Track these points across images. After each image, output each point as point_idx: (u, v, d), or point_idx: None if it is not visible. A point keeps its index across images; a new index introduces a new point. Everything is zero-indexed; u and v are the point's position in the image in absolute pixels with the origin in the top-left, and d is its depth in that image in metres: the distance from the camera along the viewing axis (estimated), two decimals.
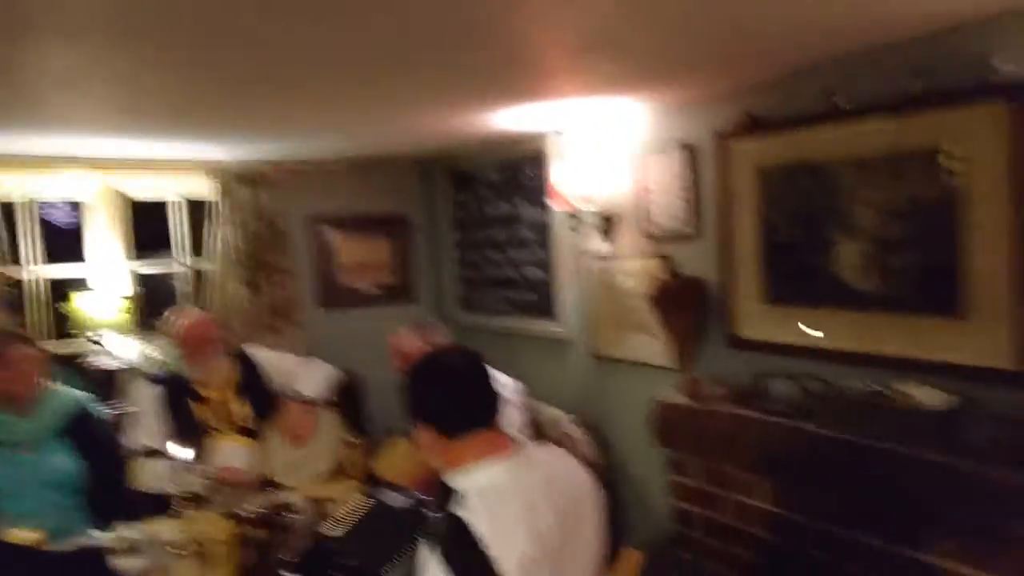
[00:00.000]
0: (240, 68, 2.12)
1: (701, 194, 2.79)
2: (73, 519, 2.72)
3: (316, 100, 2.66)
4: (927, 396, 1.99)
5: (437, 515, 1.68)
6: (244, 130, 3.21)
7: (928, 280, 2.08)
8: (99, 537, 2.17)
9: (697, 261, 2.82)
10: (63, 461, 2.75)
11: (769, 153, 2.50)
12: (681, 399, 2.65)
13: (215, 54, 1.95)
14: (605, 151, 3.20)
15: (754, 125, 2.54)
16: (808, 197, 2.39)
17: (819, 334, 2.36)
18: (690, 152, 2.80)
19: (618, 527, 3.21)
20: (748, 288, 2.61)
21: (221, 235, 3.88)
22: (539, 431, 2.89)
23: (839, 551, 2.18)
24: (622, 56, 2.20)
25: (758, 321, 2.58)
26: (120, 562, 2.05)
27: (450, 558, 1.45)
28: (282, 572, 1.63)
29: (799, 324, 2.40)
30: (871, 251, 2.22)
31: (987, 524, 1.80)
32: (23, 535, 2.04)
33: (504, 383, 2.78)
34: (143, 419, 2.94)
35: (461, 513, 1.52)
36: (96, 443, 2.88)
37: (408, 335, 2.88)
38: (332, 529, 1.74)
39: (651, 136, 2.97)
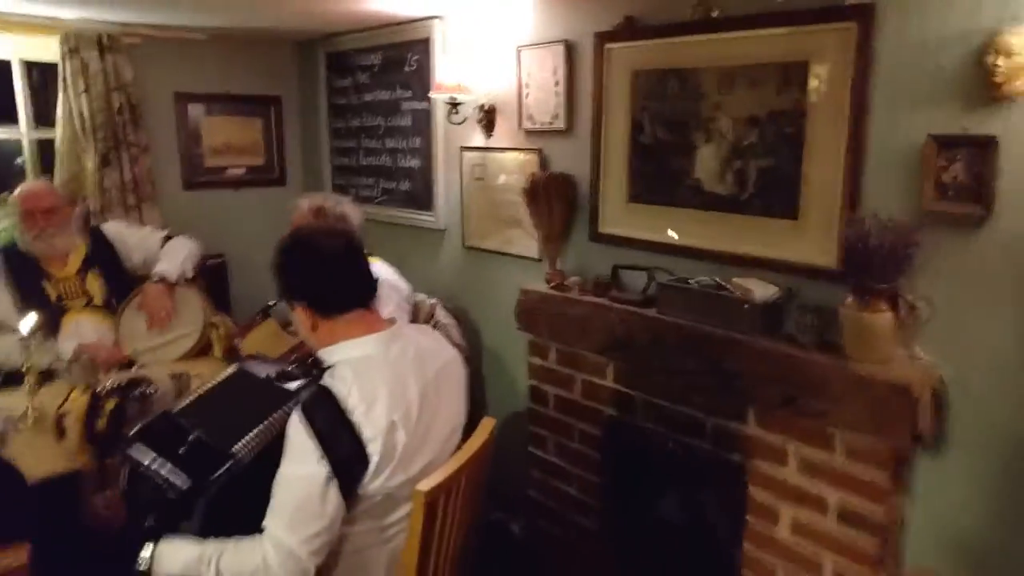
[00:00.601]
0: None
1: (577, 92, 2.84)
2: None
3: None
4: (760, 289, 2.21)
5: (303, 383, 1.72)
6: None
7: (773, 186, 2.26)
8: None
9: (569, 157, 2.90)
10: None
11: (644, 57, 2.58)
12: (544, 288, 2.79)
13: None
14: (487, 41, 3.18)
15: (632, 28, 2.60)
16: (675, 102, 2.50)
17: (674, 234, 2.54)
18: (569, 49, 2.83)
19: (481, 403, 3.41)
20: (614, 186, 2.73)
21: (68, 103, 3.57)
22: (413, 317, 2.95)
23: (669, 423, 2.44)
24: None
25: (620, 217, 2.72)
26: None
27: (313, 424, 1.50)
28: (125, 445, 1.62)
29: (667, 229, 2.55)
30: (727, 156, 2.37)
31: (789, 397, 2.06)
32: None
33: (394, 282, 2.77)
34: None
35: (327, 381, 1.59)
36: None
37: (302, 212, 2.71)
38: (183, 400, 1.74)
39: (533, 30, 2.97)
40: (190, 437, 1.59)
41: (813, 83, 2.13)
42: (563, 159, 2.93)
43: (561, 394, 2.80)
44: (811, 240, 2.19)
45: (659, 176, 2.59)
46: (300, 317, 1.70)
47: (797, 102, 2.17)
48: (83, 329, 2.83)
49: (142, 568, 1.51)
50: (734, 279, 2.29)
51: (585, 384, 2.71)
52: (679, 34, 2.46)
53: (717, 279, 2.34)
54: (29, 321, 2.30)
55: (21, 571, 1.29)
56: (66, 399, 2.09)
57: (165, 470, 1.56)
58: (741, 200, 2.36)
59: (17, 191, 2.92)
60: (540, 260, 3.03)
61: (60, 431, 2.05)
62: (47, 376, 2.52)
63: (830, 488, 2.06)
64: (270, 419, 1.61)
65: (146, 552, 1.52)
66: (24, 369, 2.25)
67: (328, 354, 1.68)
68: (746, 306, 2.19)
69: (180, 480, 1.54)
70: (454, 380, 1.83)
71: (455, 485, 1.69)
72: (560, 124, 2.90)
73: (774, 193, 2.27)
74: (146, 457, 1.59)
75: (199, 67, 4.07)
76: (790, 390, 2.06)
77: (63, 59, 3.53)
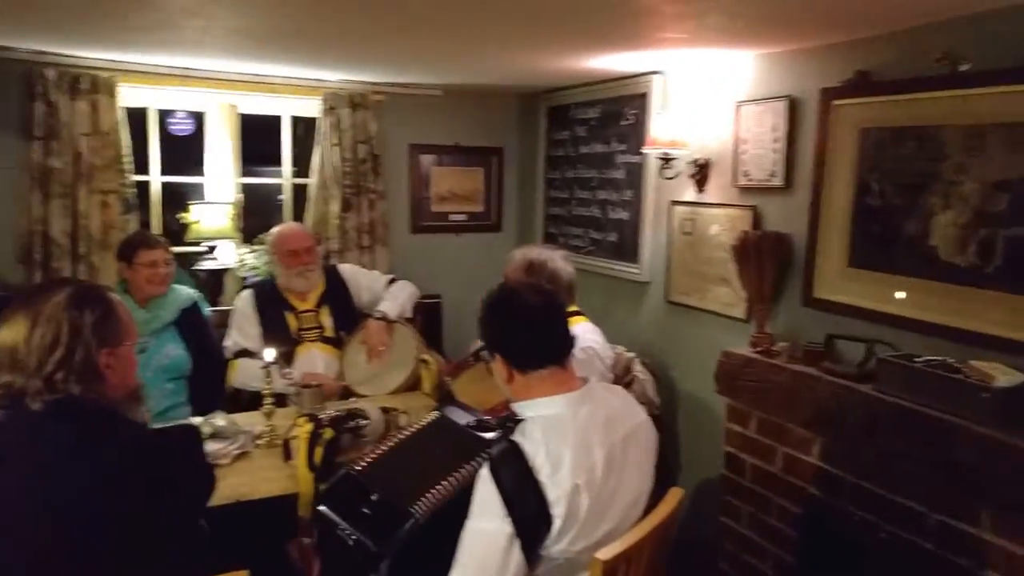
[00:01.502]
0: (359, 5, 2.21)
1: (797, 148, 2.71)
2: (177, 404, 3.03)
3: (429, 36, 2.75)
4: (1003, 375, 1.94)
5: (496, 438, 1.78)
6: (351, 57, 3.34)
7: None
8: (195, 422, 2.40)
9: (784, 216, 2.77)
10: (174, 350, 3.04)
11: (875, 114, 2.41)
12: (748, 351, 2.66)
13: None
14: (704, 97, 3.15)
15: (863, 83, 2.44)
16: (910, 162, 2.30)
17: (901, 295, 2.31)
18: (791, 105, 2.71)
19: (673, 464, 3.30)
20: (832, 248, 2.56)
21: (322, 154, 4.05)
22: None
23: (879, 511, 2.20)
24: (732, 8, 2.15)
25: (838, 282, 2.54)
26: (207, 445, 2.28)
27: (500, 480, 1.53)
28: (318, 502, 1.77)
29: (891, 298, 2.34)
30: (969, 223, 2.13)
31: None
32: None
33: (599, 349, 2.68)
34: (239, 321, 3.19)
35: (517, 438, 1.62)
36: (201, 337, 3.17)
37: (515, 264, 2.75)
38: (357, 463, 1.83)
39: (753, 85, 2.90)
40: (373, 497, 1.68)
41: None
42: (778, 217, 2.80)
43: (760, 465, 2.63)
44: None
45: (886, 241, 2.38)
46: (498, 367, 1.76)
47: None
48: (315, 359, 3.16)
49: None
50: (971, 361, 2.04)
51: (787, 458, 2.53)
52: (919, 90, 2.27)
53: (949, 359, 2.09)
54: (272, 351, 2.61)
55: None
56: (294, 424, 2.35)
57: (350, 532, 1.65)
58: (985, 273, 2.10)
59: (278, 232, 3.35)
60: (746, 321, 2.90)
61: (287, 454, 2.30)
62: (281, 401, 2.84)
63: None
64: (457, 472, 1.68)
65: None
66: (264, 393, 2.55)
67: (522, 408, 1.72)
68: (985, 393, 1.93)
69: (365, 541, 1.62)
70: (643, 446, 1.79)
71: (636, 555, 1.65)
72: (777, 181, 2.78)
73: None
74: (334, 517, 1.70)
75: (432, 120, 4.43)
76: None
77: (322, 115, 4.02)
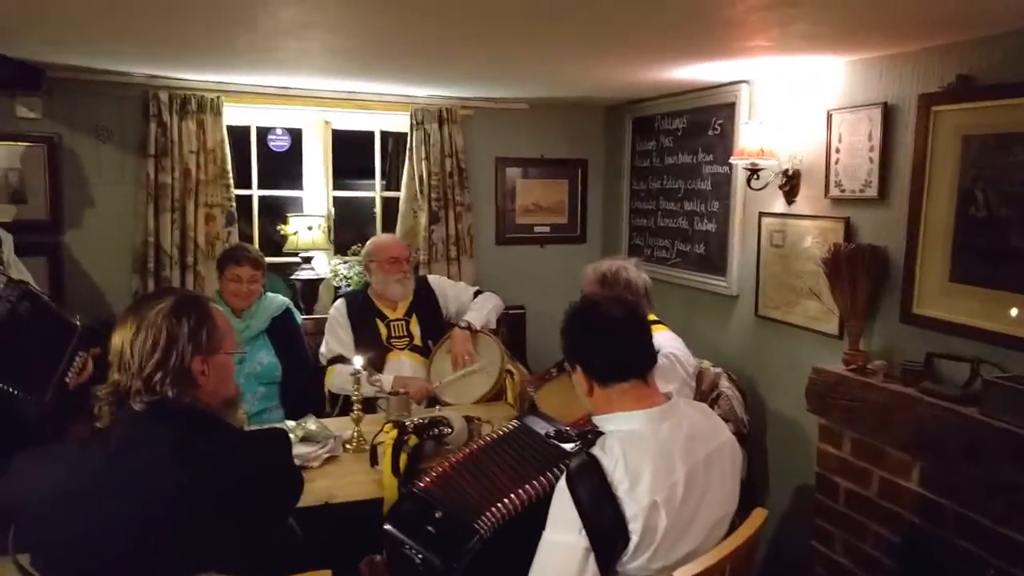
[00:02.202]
0: (450, 19, 2.27)
1: (893, 157, 2.60)
2: (270, 407, 3.18)
3: (515, 52, 2.80)
4: None
5: (575, 450, 1.78)
6: (440, 74, 3.44)
7: None
8: (287, 425, 2.51)
9: (879, 228, 2.66)
10: (266, 357, 3.19)
11: (979, 120, 2.28)
12: (842, 369, 2.56)
13: (427, 4, 2.10)
14: (794, 105, 3.06)
15: (965, 88, 2.32)
16: (1018, 170, 2.17)
17: (1015, 311, 2.18)
18: (887, 112, 2.61)
19: (762, 484, 3.20)
20: (932, 262, 2.44)
21: (411, 167, 4.17)
22: (696, 385, 2.88)
23: (985, 544, 2.07)
24: (821, 14, 2.10)
25: (938, 298, 2.41)
26: (298, 448, 2.38)
27: (577, 494, 1.52)
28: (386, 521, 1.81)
29: (1002, 315, 2.21)
30: None
31: None
32: None
33: (681, 357, 2.65)
34: (333, 329, 3.31)
35: (596, 452, 1.61)
36: (293, 343, 3.32)
37: (589, 279, 2.75)
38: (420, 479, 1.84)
39: (846, 93, 2.80)
40: (437, 515, 1.70)
41: None
42: (872, 230, 2.69)
43: (854, 489, 2.52)
44: None
45: (993, 255, 2.25)
46: (578, 379, 1.76)
47: None
48: (403, 367, 3.25)
49: None
50: None
51: (884, 482, 2.41)
52: None
53: None
54: (359, 358, 2.70)
55: None
56: (381, 430, 2.42)
57: (416, 550, 1.67)
58: None
59: (378, 241, 3.47)
60: (839, 338, 2.79)
61: (373, 459, 2.37)
62: (370, 407, 2.93)
63: None
64: (529, 485, 1.69)
65: None
66: (354, 398, 2.64)
67: (602, 422, 1.71)
68: None
69: (431, 558, 1.64)
70: (727, 465, 1.75)
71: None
72: (872, 192, 2.67)
73: None
74: (401, 535, 1.72)
75: (517, 133, 4.48)
76: None
77: (411, 130, 4.13)
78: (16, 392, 2.12)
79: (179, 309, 1.53)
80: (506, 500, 1.67)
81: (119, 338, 1.51)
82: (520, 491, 1.68)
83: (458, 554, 1.61)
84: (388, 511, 1.84)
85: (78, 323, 2.41)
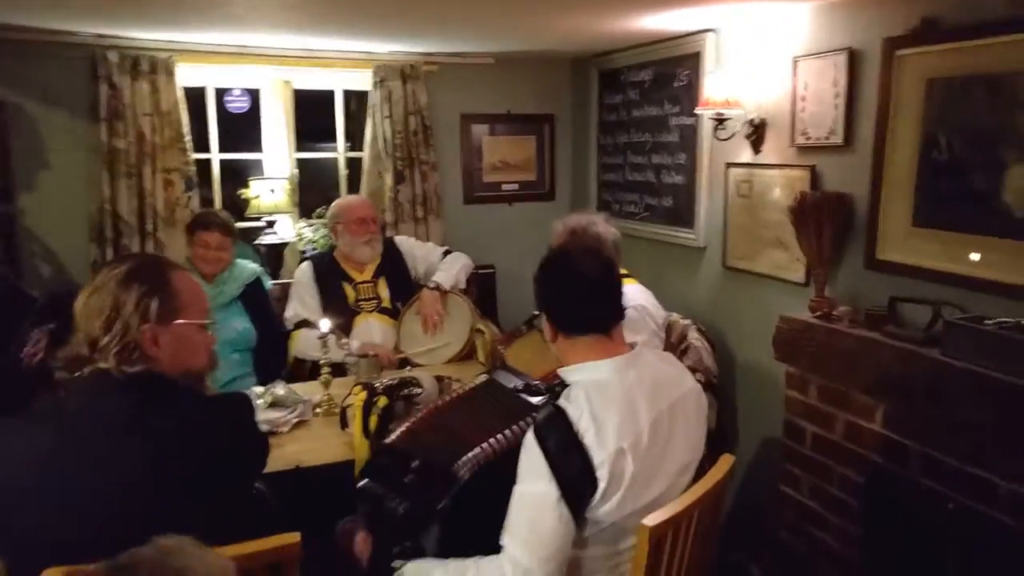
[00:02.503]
0: None
1: (858, 104, 2.59)
2: (243, 375, 3.14)
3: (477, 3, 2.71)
4: None
5: (543, 403, 1.78)
6: (403, 27, 3.34)
7: None
8: (255, 391, 2.48)
9: (844, 175, 2.66)
10: (240, 323, 3.15)
11: (942, 63, 2.27)
12: (807, 316, 2.59)
13: None
14: (760, 53, 3.03)
15: (929, 31, 2.31)
16: (981, 114, 2.17)
17: (975, 255, 2.20)
18: (852, 57, 2.59)
19: (731, 432, 3.25)
20: (896, 208, 2.45)
21: (374, 126, 4.08)
22: (665, 337, 2.89)
23: (947, 481, 2.12)
24: None
25: (902, 243, 2.43)
26: (267, 414, 2.36)
27: (545, 444, 1.53)
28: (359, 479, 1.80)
29: (961, 258, 2.23)
30: None
31: None
32: None
33: (650, 310, 2.68)
34: (298, 292, 3.27)
35: (562, 403, 1.61)
36: (263, 310, 3.27)
37: (558, 233, 2.74)
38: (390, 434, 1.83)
39: (812, 39, 2.77)
40: (414, 464, 1.69)
41: None
42: (838, 177, 2.69)
43: (820, 433, 2.57)
44: None
45: (954, 198, 2.27)
46: (545, 326, 1.76)
47: None
48: (372, 330, 3.22)
49: None
50: None
51: (849, 425, 2.45)
52: (992, 35, 2.12)
53: (1023, 321, 1.98)
54: (327, 321, 2.67)
55: (293, 555, 1.46)
56: (350, 393, 2.40)
57: (397, 500, 1.66)
58: None
59: (345, 202, 3.40)
60: (806, 285, 2.81)
61: (344, 422, 2.36)
62: (339, 371, 2.90)
63: None
64: (501, 434, 1.69)
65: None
66: (321, 363, 2.61)
67: (567, 373, 1.71)
68: None
69: (411, 507, 1.64)
70: (692, 412, 1.77)
71: (685, 521, 1.63)
72: (837, 139, 2.67)
73: None
74: (378, 490, 1.72)
75: (483, 90, 4.40)
76: None
77: (373, 88, 4.04)
78: None
79: (131, 276, 1.47)
80: (483, 446, 1.67)
81: (78, 302, 1.46)
82: (494, 439, 1.68)
83: (440, 498, 1.62)
84: (362, 468, 1.82)
85: (36, 296, 2.34)
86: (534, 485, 1.53)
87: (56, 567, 1.25)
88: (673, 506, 1.60)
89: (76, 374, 1.44)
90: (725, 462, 1.78)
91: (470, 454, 1.64)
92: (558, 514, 1.51)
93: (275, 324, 3.28)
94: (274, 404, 2.45)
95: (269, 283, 3.48)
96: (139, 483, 1.35)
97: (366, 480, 1.77)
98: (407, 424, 1.84)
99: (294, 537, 1.44)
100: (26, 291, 2.34)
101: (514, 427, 1.70)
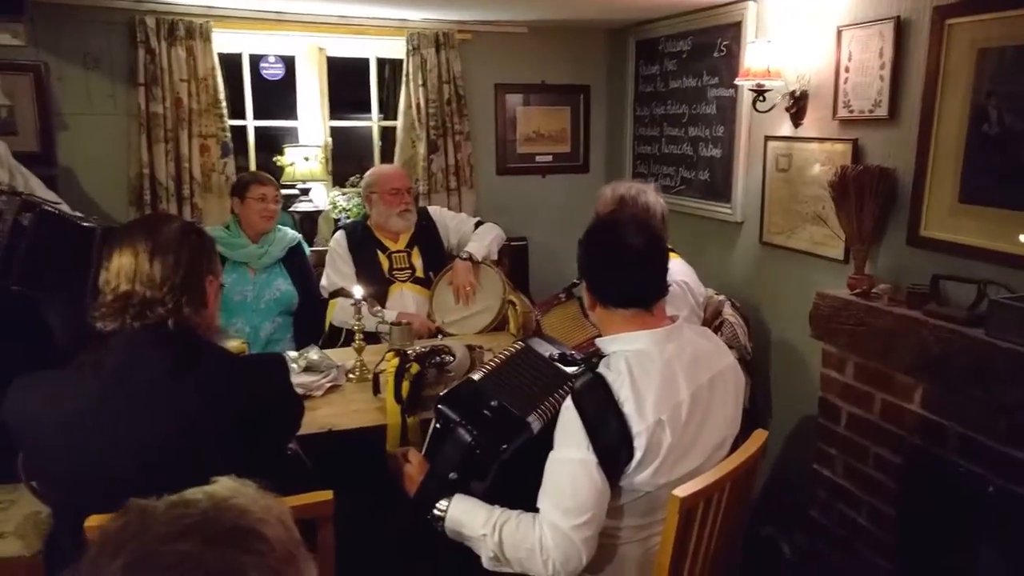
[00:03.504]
0: None
1: (904, 75, 2.51)
2: (283, 338, 3.19)
3: None
4: None
5: (581, 369, 1.77)
6: None
7: None
8: (290, 355, 2.51)
9: (888, 149, 2.59)
10: (284, 284, 3.20)
11: (995, 32, 2.19)
12: (846, 293, 2.54)
13: None
14: (802, 23, 2.95)
15: None
16: None
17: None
18: (899, 26, 2.51)
19: (765, 409, 3.22)
20: (942, 183, 2.38)
21: (408, 95, 4.06)
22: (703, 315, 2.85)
23: (988, 464, 2.08)
24: None
25: (947, 220, 2.36)
26: (301, 378, 2.38)
27: (583, 410, 1.53)
28: (436, 403, 1.79)
29: (1012, 231, 2.16)
30: None
31: None
32: (230, 344, 2.41)
33: (692, 286, 2.63)
34: (334, 261, 3.28)
35: (602, 370, 1.61)
36: (306, 275, 3.31)
37: (606, 200, 2.65)
38: (475, 373, 1.87)
39: (856, 7, 2.69)
40: (492, 403, 1.70)
41: None
42: (881, 151, 2.62)
43: (856, 412, 2.53)
44: None
45: (1005, 174, 2.19)
46: (586, 295, 1.75)
47: None
48: (405, 299, 3.23)
49: (438, 515, 1.63)
50: None
51: (886, 405, 2.41)
52: None
53: None
54: (360, 288, 2.68)
55: (327, 512, 1.48)
56: (383, 359, 2.41)
57: (470, 427, 1.67)
58: None
59: (380, 171, 3.40)
60: (845, 262, 2.76)
61: (376, 388, 2.38)
62: (373, 338, 2.92)
63: None
64: (554, 395, 1.69)
65: (444, 504, 1.64)
66: (355, 329, 2.63)
67: (606, 343, 1.70)
68: None
69: (481, 440, 1.65)
70: (730, 388, 1.75)
71: (716, 494, 1.63)
72: (882, 112, 2.59)
73: None
74: (456, 415, 1.71)
75: (518, 59, 4.35)
76: None
77: (407, 56, 4.01)
78: (54, 303, 2.07)
79: (193, 229, 1.54)
80: (550, 401, 1.70)
81: (128, 258, 1.45)
82: (552, 398, 1.70)
83: (508, 442, 1.64)
84: (444, 394, 1.81)
85: (95, 225, 2.35)
86: (571, 451, 1.54)
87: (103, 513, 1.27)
88: (705, 478, 1.59)
89: (110, 328, 1.45)
90: (758, 437, 1.76)
91: (541, 408, 1.67)
92: (594, 480, 1.51)
93: (315, 290, 3.31)
94: (308, 368, 2.48)
95: (308, 250, 3.52)
96: (177, 436, 1.38)
97: (443, 405, 1.76)
98: (485, 370, 1.85)
99: (327, 495, 1.46)
100: (80, 222, 2.31)
101: (553, 397, 1.71)
